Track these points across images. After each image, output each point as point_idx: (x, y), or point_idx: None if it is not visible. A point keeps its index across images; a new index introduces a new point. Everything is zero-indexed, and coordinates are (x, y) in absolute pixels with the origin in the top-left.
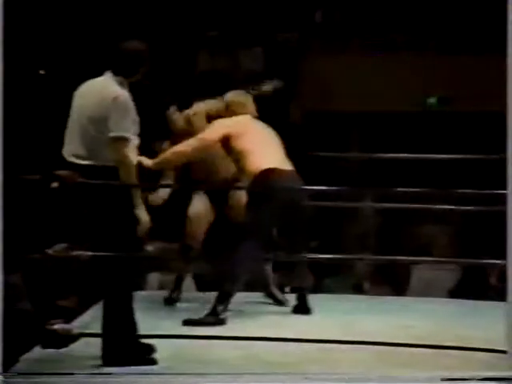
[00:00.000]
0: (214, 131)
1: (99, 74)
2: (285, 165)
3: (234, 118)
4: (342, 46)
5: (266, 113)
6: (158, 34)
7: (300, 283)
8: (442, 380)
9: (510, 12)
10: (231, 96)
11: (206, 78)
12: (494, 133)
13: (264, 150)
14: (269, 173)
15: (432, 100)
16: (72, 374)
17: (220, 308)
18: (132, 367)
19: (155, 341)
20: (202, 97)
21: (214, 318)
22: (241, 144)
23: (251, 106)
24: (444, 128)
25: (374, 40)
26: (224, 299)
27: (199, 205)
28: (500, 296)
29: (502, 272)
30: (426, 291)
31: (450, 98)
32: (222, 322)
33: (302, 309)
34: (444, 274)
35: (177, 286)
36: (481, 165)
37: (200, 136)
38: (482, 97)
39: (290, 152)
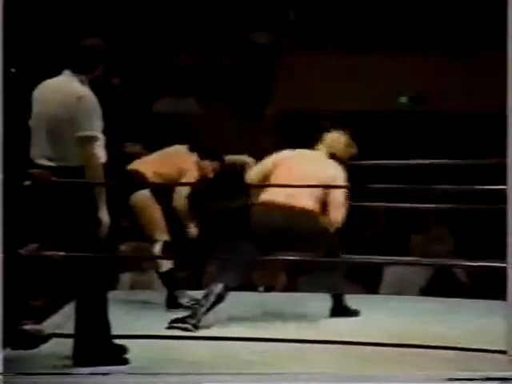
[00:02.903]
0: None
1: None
2: (288, 199)
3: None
4: (317, 45)
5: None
6: (134, 32)
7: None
8: (443, 380)
9: (510, 12)
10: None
11: (179, 75)
12: (468, 134)
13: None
14: (260, 205)
15: (403, 99)
16: (72, 374)
17: (201, 312)
18: (118, 367)
19: (128, 341)
20: (175, 94)
21: (194, 320)
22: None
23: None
24: (416, 128)
25: (348, 39)
26: (214, 304)
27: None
28: (470, 294)
29: (471, 270)
30: (398, 289)
31: (422, 97)
32: (196, 327)
33: (341, 311)
34: (415, 272)
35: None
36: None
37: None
38: (455, 97)
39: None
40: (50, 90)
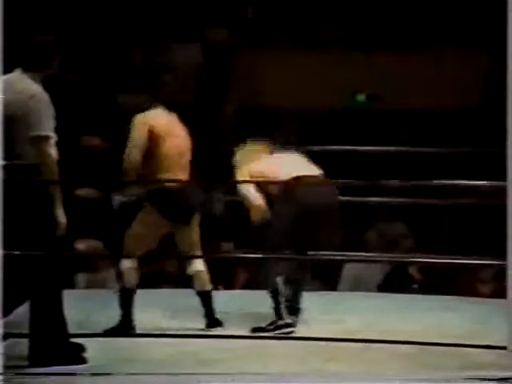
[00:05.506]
0: None
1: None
2: None
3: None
4: (274, 42)
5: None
6: (93, 30)
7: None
8: (442, 381)
9: (510, 12)
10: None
11: (139, 73)
12: (423, 130)
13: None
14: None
15: (360, 97)
16: (72, 374)
17: (283, 311)
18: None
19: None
20: (135, 92)
21: (281, 322)
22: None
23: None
24: (372, 125)
25: (305, 36)
26: (279, 302)
27: (141, 224)
28: (424, 290)
29: (424, 267)
30: (354, 286)
31: (378, 95)
32: (291, 325)
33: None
34: (371, 269)
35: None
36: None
37: None
38: (410, 94)
39: (223, 148)
40: (0, 88)
